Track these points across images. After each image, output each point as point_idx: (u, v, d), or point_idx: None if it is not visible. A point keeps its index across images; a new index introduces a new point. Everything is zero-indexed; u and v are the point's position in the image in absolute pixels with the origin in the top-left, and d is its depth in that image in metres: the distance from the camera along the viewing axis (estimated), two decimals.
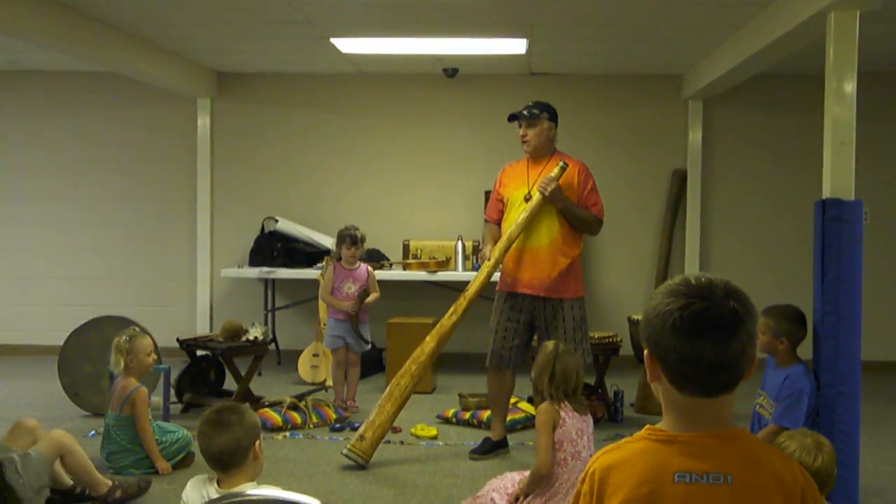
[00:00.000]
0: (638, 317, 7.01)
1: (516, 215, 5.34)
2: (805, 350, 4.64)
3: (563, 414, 4.23)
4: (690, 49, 7.53)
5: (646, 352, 1.75)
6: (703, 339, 1.65)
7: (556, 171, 5.28)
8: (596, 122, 8.71)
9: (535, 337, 5.49)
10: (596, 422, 6.27)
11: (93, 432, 5.88)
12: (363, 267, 6.81)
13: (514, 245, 5.34)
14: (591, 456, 4.17)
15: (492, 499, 4.32)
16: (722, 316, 1.66)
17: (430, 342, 5.37)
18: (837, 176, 4.76)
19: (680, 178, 8.67)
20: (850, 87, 4.82)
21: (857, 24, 4.84)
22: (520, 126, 5.46)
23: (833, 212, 4.64)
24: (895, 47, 7.30)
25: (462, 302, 5.37)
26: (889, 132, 8.47)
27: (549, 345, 4.49)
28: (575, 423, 4.25)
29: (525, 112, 5.43)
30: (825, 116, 4.88)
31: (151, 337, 5.44)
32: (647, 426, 1.79)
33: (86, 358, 6.42)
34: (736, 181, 8.77)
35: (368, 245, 7.87)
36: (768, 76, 7.90)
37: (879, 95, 8.18)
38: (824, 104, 4.89)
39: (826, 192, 4.77)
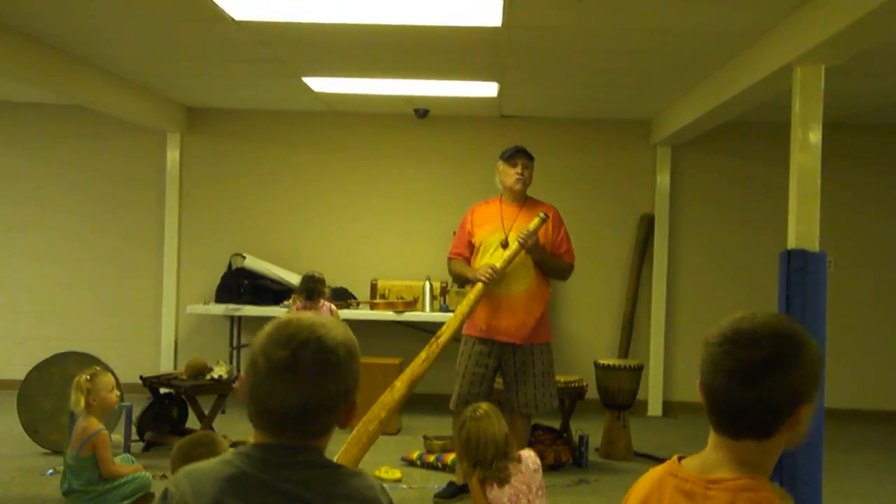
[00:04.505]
0: (605, 361, 7.01)
1: (490, 260, 5.30)
2: None
3: (486, 492, 4.15)
4: (658, 97, 7.63)
5: None
6: None
7: (535, 222, 5.24)
8: (565, 166, 8.75)
9: (501, 380, 5.48)
10: (560, 466, 6.31)
11: (51, 471, 5.78)
12: (326, 306, 6.77)
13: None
14: None
15: None
16: None
17: (400, 388, 5.28)
18: (802, 227, 4.83)
19: (647, 223, 8.73)
20: (816, 138, 4.90)
21: (822, 78, 4.93)
22: (515, 164, 5.42)
23: (798, 262, 4.70)
24: (860, 100, 7.44)
25: (434, 349, 5.30)
26: (854, 182, 8.60)
27: (468, 409, 4.38)
28: (505, 491, 4.14)
29: (527, 150, 5.46)
30: (790, 167, 4.95)
31: (114, 374, 5.37)
32: None
33: (46, 394, 6.31)
34: (703, 227, 8.84)
35: (336, 284, 7.86)
36: (736, 124, 8.00)
37: (845, 145, 8.29)
38: (790, 155, 4.97)
39: (791, 243, 4.83)
